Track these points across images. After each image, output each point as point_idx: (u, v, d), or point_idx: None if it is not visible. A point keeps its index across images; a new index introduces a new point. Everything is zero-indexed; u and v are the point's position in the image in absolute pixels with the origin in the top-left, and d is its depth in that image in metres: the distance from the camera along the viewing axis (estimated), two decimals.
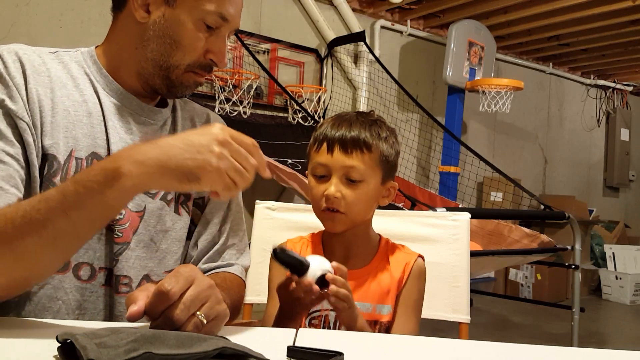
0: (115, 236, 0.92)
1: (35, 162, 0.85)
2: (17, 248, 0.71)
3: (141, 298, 0.69)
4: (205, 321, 0.68)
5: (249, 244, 1.23)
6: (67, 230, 0.73)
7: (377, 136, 1.00)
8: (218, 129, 0.74)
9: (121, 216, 0.92)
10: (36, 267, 0.75)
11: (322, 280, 0.86)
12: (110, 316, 0.92)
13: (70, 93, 0.92)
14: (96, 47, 1.00)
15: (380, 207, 1.08)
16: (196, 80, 0.97)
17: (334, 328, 1.01)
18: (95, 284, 0.91)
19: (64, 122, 0.89)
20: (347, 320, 0.91)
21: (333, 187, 0.98)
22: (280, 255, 0.86)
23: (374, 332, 1.01)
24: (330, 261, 0.98)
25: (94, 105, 0.93)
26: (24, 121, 0.85)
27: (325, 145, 1.00)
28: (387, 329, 1.02)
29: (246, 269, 1.10)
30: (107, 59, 0.97)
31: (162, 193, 0.98)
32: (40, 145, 0.87)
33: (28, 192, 0.84)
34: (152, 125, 1.00)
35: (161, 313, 0.67)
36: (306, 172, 1.08)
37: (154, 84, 0.96)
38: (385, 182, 1.04)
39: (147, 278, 0.95)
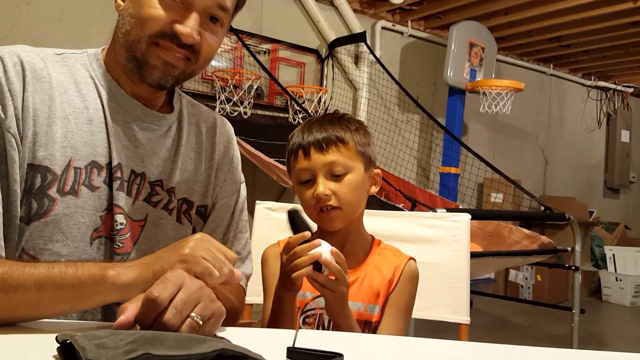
0: (116, 247, 0.91)
1: (16, 175, 0.83)
2: None
3: (130, 308, 0.68)
4: (201, 322, 0.68)
5: None
6: (30, 303, 0.73)
7: (348, 129, 1.03)
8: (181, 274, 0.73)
9: (122, 226, 0.91)
10: None
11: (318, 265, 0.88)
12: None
13: (72, 99, 0.90)
14: (103, 48, 0.98)
15: (379, 208, 1.09)
16: (161, 55, 0.89)
17: (329, 328, 1.01)
18: None
19: (62, 131, 0.87)
20: (333, 313, 0.92)
21: (321, 186, 0.99)
22: (293, 215, 0.90)
23: (365, 332, 1.01)
24: None
25: (95, 111, 0.91)
26: (10, 133, 0.82)
27: (300, 152, 1.01)
28: (376, 329, 1.02)
29: (247, 277, 1.09)
30: (108, 61, 0.96)
31: (165, 202, 0.97)
32: (31, 156, 0.84)
33: (6, 205, 0.83)
34: (157, 131, 0.98)
35: (154, 321, 0.66)
36: (291, 186, 1.08)
37: (129, 72, 0.92)
38: (368, 170, 1.06)
39: None
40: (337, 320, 0.93)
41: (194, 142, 1.03)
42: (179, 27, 0.87)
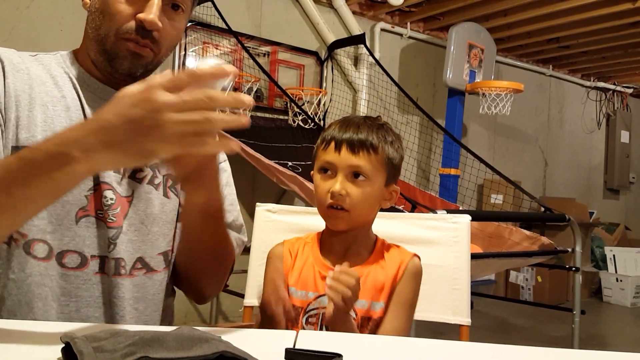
0: (110, 221, 0.94)
1: (2, 156, 0.87)
2: None
3: None
4: None
5: (249, 247, 1.24)
6: (6, 205, 0.71)
7: (384, 139, 1.03)
8: (144, 95, 0.66)
9: (112, 202, 0.94)
10: None
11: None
12: (109, 301, 0.94)
13: (49, 90, 0.95)
14: (73, 50, 1.04)
15: (381, 210, 1.09)
16: (129, 48, 0.93)
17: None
18: (88, 272, 0.93)
19: (42, 116, 0.91)
20: (333, 320, 0.93)
21: (338, 184, 1.00)
22: None
23: (367, 328, 1.01)
24: (328, 259, 1.04)
25: (72, 100, 0.96)
26: None
27: (333, 144, 1.02)
28: (378, 325, 1.03)
29: (243, 242, 1.13)
30: (82, 58, 1.01)
31: (149, 177, 1.01)
32: (14, 138, 0.89)
33: None
34: None
35: None
36: (311, 172, 1.09)
37: (99, 64, 0.98)
38: (388, 185, 1.06)
39: (140, 260, 0.98)
40: (337, 329, 0.93)
41: None
42: (142, 15, 0.91)
